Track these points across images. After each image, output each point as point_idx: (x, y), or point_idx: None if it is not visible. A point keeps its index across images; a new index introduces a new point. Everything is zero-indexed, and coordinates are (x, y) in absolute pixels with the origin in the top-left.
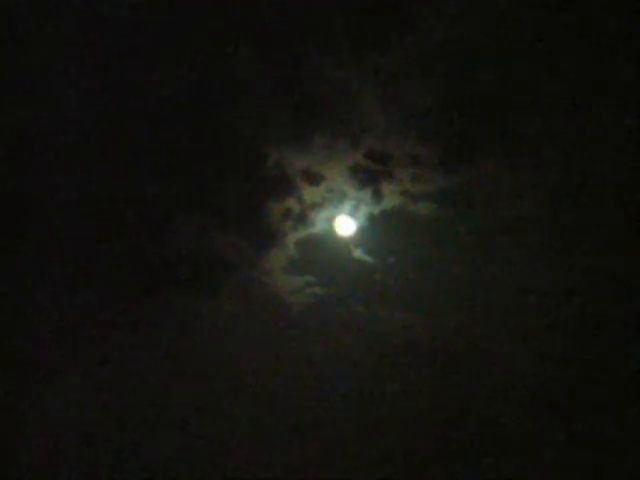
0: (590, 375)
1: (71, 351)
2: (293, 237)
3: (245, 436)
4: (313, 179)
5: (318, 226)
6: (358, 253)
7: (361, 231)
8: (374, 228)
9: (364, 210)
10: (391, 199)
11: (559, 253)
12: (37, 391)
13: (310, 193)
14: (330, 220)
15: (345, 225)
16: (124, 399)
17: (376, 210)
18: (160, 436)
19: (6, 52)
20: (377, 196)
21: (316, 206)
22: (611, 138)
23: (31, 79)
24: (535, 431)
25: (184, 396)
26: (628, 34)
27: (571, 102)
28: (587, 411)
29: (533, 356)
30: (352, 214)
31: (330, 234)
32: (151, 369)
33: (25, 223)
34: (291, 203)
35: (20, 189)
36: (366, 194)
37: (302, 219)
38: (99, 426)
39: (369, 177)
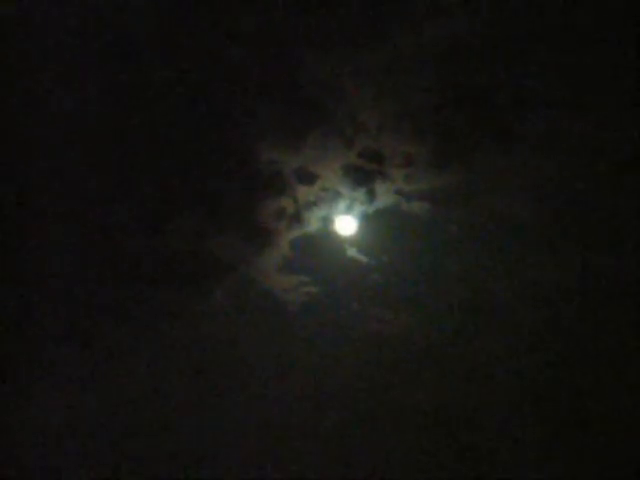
0: (589, 375)
1: (69, 351)
2: (288, 236)
3: (241, 434)
4: (307, 178)
5: (313, 225)
6: (352, 252)
7: (355, 230)
8: (368, 227)
9: (358, 209)
10: (385, 198)
11: (553, 252)
12: (37, 391)
13: (304, 192)
14: (324, 219)
15: (343, 225)
16: (121, 398)
17: (370, 209)
18: (158, 434)
19: (6, 52)
20: (371, 195)
21: (310, 205)
22: (608, 138)
23: (31, 78)
24: (532, 430)
25: (180, 395)
26: (627, 33)
27: (567, 101)
28: (586, 410)
29: (530, 356)
30: (346, 213)
31: (325, 233)
32: (147, 368)
33: (24, 222)
34: (285, 202)
35: (19, 188)
36: (360, 193)
37: (297, 218)
38: (98, 425)
39: (363, 176)
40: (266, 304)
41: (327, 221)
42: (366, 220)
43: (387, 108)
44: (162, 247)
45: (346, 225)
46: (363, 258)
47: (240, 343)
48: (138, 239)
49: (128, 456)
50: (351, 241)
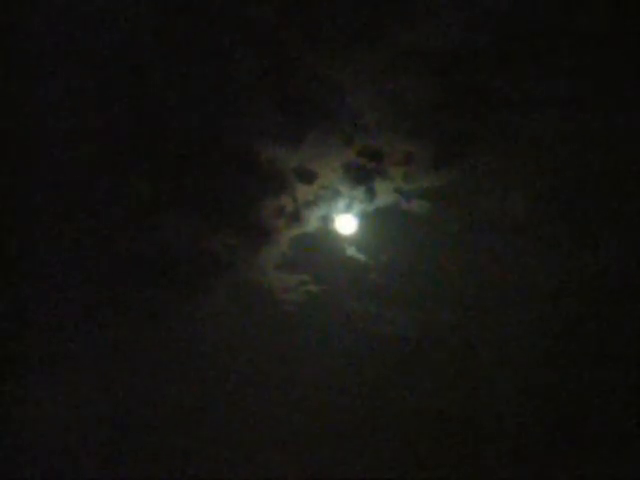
0: (590, 374)
1: (69, 351)
2: (287, 235)
3: (239, 433)
4: (306, 177)
5: (312, 224)
6: (352, 251)
7: (355, 229)
8: (368, 226)
9: (358, 208)
10: (384, 197)
11: (552, 250)
12: (36, 390)
13: (304, 191)
14: (324, 218)
15: (343, 223)
16: (120, 397)
17: (370, 208)
18: (157, 434)
19: (6, 51)
20: (370, 194)
21: (310, 204)
22: (606, 137)
23: (30, 78)
24: (528, 428)
25: (179, 393)
26: (628, 33)
27: (567, 101)
28: (581, 408)
29: (530, 354)
30: (346, 212)
31: (324, 232)
32: (147, 367)
33: (25, 222)
34: (285, 201)
35: (19, 188)
36: (360, 192)
37: (296, 217)
38: (97, 425)
39: (362, 175)
40: (265, 303)
41: (327, 220)
42: (366, 219)
43: (386, 107)
44: (161, 246)
45: (346, 224)
46: (362, 257)
47: (239, 342)
48: (137, 238)
49: (128, 456)
50: (351, 240)
